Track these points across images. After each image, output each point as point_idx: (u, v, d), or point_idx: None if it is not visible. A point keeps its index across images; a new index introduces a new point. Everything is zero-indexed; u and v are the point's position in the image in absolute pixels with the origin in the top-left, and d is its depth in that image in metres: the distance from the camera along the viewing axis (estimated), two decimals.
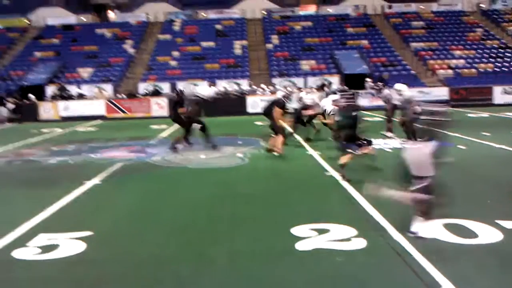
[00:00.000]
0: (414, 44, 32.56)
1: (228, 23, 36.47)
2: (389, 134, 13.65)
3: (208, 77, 28.97)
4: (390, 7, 37.74)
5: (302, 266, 4.69)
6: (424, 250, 4.85)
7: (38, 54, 33.07)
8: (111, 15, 42.73)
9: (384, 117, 14.61)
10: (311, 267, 4.67)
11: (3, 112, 24.68)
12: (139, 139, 15.17)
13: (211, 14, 37.95)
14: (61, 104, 25.57)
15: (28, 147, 14.22)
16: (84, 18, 38.50)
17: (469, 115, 20.56)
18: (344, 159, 8.35)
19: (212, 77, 29.08)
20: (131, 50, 33.62)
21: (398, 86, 12.59)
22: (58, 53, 33.07)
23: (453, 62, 30.35)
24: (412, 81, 25.37)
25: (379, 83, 24.22)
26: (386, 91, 14.74)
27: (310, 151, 11.75)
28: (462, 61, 30.49)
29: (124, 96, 26.86)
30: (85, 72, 30.99)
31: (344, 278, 4.44)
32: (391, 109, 13.97)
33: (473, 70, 29.38)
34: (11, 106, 24.98)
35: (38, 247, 5.36)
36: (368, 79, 26.45)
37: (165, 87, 28.55)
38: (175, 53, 32.53)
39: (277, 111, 10.91)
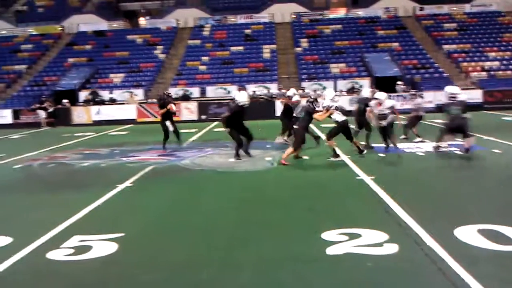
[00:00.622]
0: (446, 46, 31.91)
1: (257, 28, 36.54)
2: (418, 138, 13.48)
3: (237, 82, 29.09)
4: (421, 9, 37.09)
5: (331, 271, 4.63)
6: (457, 256, 4.73)
7: (71, 60, 33.85)
8: (142, 21, 43.41)
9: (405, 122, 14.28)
10: (340, 272, 4.60)
11: (42, 115, 25.43)
12: (169, 143, 15.28)
13: (240, 19, 38.10)
14: (94, 108, 26.10)
15: (62, 151, 14.54)
16: (115, 25, 39.20)
17: (505, 118, 20.01)
18: (470, 142, 10.73)
19: (241, 81, 29.19)
20: (161, 56, 34.08)
21: (450, 89, 11.34)
22: (91, 59, 33.80)
23: (487, 64, 29.59)
24: (445, 84, 24.52)
25: (412, 90, 23.87)
26: (419, 100, 14.48)
27: (341, 155, 11.60)
28: (496, 62, 29.70)
29: (155, 101, 27.21)
30: (117, 77, 31.60)
31: (374, 283, 4.35)
32: (415, 118, 13.80)
33: (509, 72, 28.58)
34: (50, 109, 25.71)
35: (71, 248, 5.47)
36: (399, 82, 26.08)
37: (195, 91, 28.84)
38: (205, 58, 32.79)
39: (315, 117, 10.81)
